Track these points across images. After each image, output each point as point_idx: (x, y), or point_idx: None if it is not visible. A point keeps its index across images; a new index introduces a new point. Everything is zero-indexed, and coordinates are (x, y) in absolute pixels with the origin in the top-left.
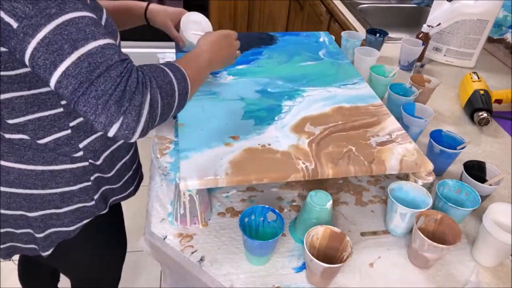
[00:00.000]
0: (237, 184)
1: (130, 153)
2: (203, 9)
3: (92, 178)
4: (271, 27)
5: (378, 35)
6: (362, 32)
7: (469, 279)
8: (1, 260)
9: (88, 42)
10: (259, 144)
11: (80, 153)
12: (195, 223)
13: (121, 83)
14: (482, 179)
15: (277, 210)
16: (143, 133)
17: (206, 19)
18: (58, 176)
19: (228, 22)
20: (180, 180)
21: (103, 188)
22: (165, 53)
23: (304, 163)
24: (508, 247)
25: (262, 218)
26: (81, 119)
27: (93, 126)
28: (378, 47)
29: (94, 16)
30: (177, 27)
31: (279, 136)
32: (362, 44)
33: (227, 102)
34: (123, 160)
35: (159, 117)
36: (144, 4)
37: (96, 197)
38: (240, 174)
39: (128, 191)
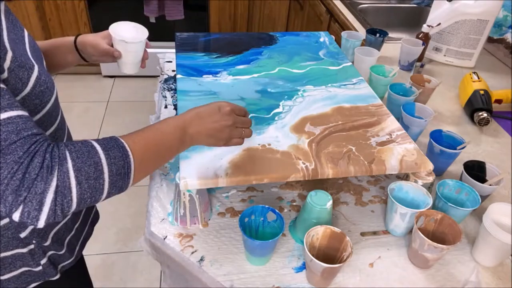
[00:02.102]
0: (237, 184)
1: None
2: (203, 9)
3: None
4: (271, 27)
5: (378, 35)
6: (362, 32)
7: (469, 279)
8: None
9: None
10: (259, 144)
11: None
12: (195, 223)
13: (19, 171)
14: (482, 179)
15: (277, 210)
16: (54, 219)
17: (138, 25)
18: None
19: (228, 22)
20: (180, 180)
21: (50, 253)
22: (165, 53)
23: (304, 163)
24: (508, 247)
25: (262, 218)
26: None
27: None
28: (378, 47)
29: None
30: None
31: (279, 136)
32: (362, 44)
33: None
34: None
35: (76, 202)
36: (72, 37)
37: (43, 262)
38: (240, 174)
39: (75, 255)
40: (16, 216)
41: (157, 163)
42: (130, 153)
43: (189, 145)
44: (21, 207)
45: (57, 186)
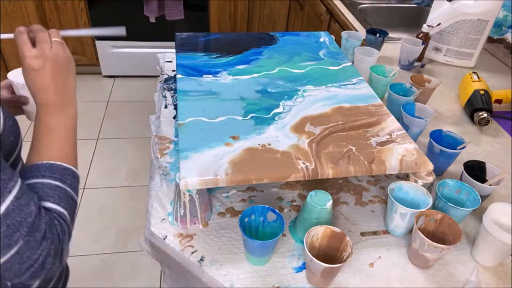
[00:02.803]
0: (237, 184)
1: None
2: (203, 9)
3: None
4: (271, 27)
5: (378, 35)
6: (362, 32)
7: (469, 279)
8: None
9: (3, 197)
10: (259, 144)
11: None
12: (195, 223)
13: (46, 247)
14: (482, 179)
15: (277, 210)
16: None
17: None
18: None
19: (228, 22)
20: (180, 180)
21: None
22: (165, 53)
23: (304, 163)
24: (508, 247)
25: (262, 218)
26: None
27: None
28: (378, 47)
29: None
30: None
31: (279, 136)
32: (362, 44)
33: (227, 102)
34: None
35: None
36: None
37: None
38: (240, 174)
39: None
40: (35, 284)
41: (75, 146)
42: (74, 169)
43: (69, 107)
44: (43, 274)
45: (68, 237)
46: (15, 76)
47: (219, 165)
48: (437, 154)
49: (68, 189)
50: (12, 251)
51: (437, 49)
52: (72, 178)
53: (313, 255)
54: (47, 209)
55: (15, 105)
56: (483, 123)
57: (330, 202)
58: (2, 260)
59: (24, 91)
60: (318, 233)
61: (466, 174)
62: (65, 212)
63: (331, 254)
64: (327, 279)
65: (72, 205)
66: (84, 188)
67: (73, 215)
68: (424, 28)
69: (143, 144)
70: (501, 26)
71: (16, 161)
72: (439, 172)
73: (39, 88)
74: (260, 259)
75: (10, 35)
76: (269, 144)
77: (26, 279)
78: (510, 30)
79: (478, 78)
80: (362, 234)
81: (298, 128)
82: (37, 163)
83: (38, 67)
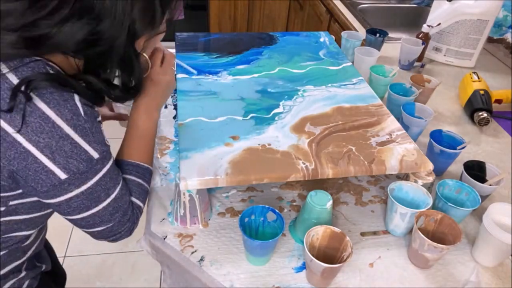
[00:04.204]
0: (237, 184)
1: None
2: (203, 9)
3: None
4: (271, 27)
5: (378, 35)
6: (362, 32)
7: (469, 279)
8: None
9: (115, 188)
10: (259, 144)
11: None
12: (195, 223)
13: (127, 225)
14: (482, 179)
15: (277, 210)
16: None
17: None
18: None
19: (228, 22)
20: (180, 180)
21: None
22: None
23: (304, 163)
24: (508, 247)
25: (262, 218)
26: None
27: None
28: (378, 47)
29: (112, 157)
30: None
31: (279, 136)
32: (362, 44)
33: (227, 102)
34: None
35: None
36: None
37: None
38: (240, 174)
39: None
40: (111, 241)
41: (153, 148)
42: (148, 166)
43: (155, 112)
44: (116, 239)
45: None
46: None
47: (219, 165)
48: (437, 154)
49: (146, 185)
50: (109, 225)
51: (437, 49)
52: (149, 175)
53: (313, 255)
54: (132, 202)
55: (114, 120)
56: (483, 123)
57: (330, 202)
58: (100, 228)
59: (123, 110)
60: (318, 233)
61: (466, 174)
62: (141, 205)
63: (331, 254)
64: (327, 279)
65: (146, 198)
66: None
67: (144, 199)
68: (424, 28)
69: None
70: (501, 26)
71: None
72: (439, 172)
73: (146, 94)
74: (260, 259)
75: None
76: (269, 144)
77: (105, 240)
78: (510, 30)
79: (478, 78)
80: (362, 234)
81: (298, 128)
82: (129, 161)
83: (156, 81)
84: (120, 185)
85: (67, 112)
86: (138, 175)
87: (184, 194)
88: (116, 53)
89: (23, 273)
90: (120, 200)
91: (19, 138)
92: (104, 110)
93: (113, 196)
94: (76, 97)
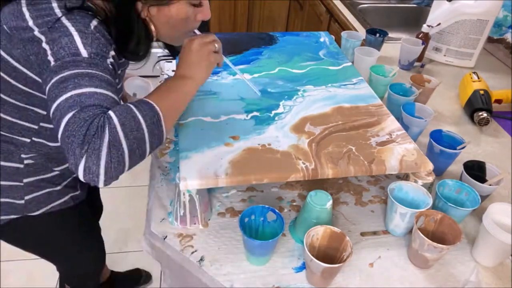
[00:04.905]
0: (237, 184)
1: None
2: None
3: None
4: (271, 27)
5: (378, 35)
6: (362, 32)
7: (469, 279)
8: (1, 260)
9: (88, 88)
10: (259, 144)
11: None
12: (195, 223)
13: (83, 126)
14: (482, 179)
15: (277, 210)
16: (110, 176)
17: (149, 84)
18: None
19: (228, 22)
20: (180, 180)
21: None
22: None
23: (304, 163)
24: (508, 247)
25: (262, 218)
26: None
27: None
28: (378, 47)
29: (112, 80)
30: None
31: (279, 136)
32: (362, 44)
33: (227, 102)
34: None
35: (127, 150)
36: None
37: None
38: (240, 174)
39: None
40: (80, 172)
41: (178, 108)
42: (154, 104)
43: (192, 82)
44: (83, 161)
45: (109, 141)
46: (129, 83)
47: (219, 165)
48: (437, 154)
49: (135, 110)
50: (65, 119)
51: (437, 49)
52: (149, 111)
53: (313, 255)
54: (102, 109)
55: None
56: (483, 123)
57: (330, 202)
58: (61, 128)
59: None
60: (318, 233)
61: (466, 174)
62: (114, 117)
63: (331, 254)
64: (327, 279)
65: (129, 121)
66: None
67: (130, 132)
68: (424, 28)
69: None
70: (501, 26)
71: None
72: (439, 172)
73: (181, 59)
74: (260, 259)
75: (198, 33)
76: (269, 144)
77: (72, 161)
78: (510, 30)
79: (478, 78)
80: (362, 234)
81: (298, 128)
82: (142, 99)
83: (189, 45)
84: (97, 90)
85: (78, 21)
86: (135, 104)
87: (184, 194)
88: (116, 9)
89: (59, 187)
90: (86, 98)
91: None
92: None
93: (80, 91)
94: (94, 21)
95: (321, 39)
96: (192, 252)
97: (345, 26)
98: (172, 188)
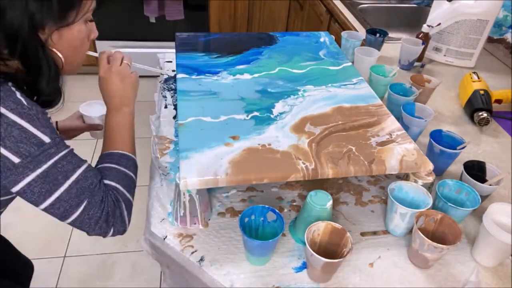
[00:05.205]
0: (237, 184)
1: None
2: (203, 9)
3: None
4: (271, 27)
5: (378, 35)
6: (362, 32)
7: (469, 279)
8: None
9: (75, 171)
10: (259, 144)
11: None
12: (195, 223)
13: (105, 208)
14: (482, 179)
15: (277, 210)
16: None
17: (92, 102)
18: None
19: (228, 22)
20: (180, 180)
21: None
22: (165, 53)
23: (304, 163)
24: (508, 247)
25: (262, 218)
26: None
27: None
28: (378, 47)
29: (68, 145)
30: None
31: (279, 136)
32: (362, 44)
33: (227, 102)
34: None
35: (132, 200)
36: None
37: None
38: (240, 174)
39: None
40: (109, 235)
41: (133, 135)
42: (128, 153)
43: (128, 109)
44: (112, 229)
45: (125, 205)
46: (86, 110)
47: (219, 165)
48: (437, 154)
49: (123, 169)
50: (81, 208)
51: (437, 49)
52: (126, 161)
53: (314, 251)
54: (105, 185)
55: (88, 131)
56: (483, 123)
57: (330, 202)
58: (75, 215)
59: (97, 120)
60: (320, 229)
61: (466, 174)
62: (118, 186)
63: (332, 250)
64: (328, 274)
65: (125, 180)
66: None
67: (130, 188)
68: (424, 28)
69: (143, 144)
70: (501, 26)
71: None
72: (439, 172)
73: (105, 93)
74: (260, 259)
75: (95, 54)
76: (269, 144)
77: (98, 234)
78: (510, 30)
79: (478, 78)
80: (362, 234)
81: (298, 128)
82: (103, 153)
83: (105, 76)
84: (82, 168)
85: (11, 103)
86: (112, 161)
87: (184, 194)
88: (19, 41)
89: None
90: (84, 181)
91: None
92: (78, 122)
93: (73, 178)
94: (18, 93)
95: (321, 39)
96: (192, 252)
97: (345, 26)
98: (172, 188)
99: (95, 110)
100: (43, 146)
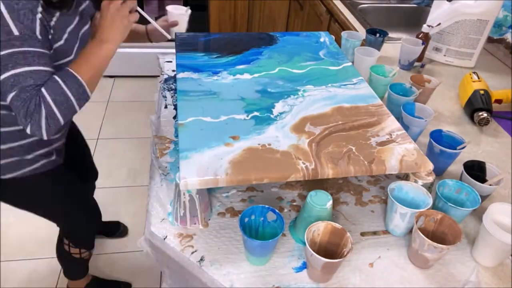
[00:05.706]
0: (237, 184)
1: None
2: (203, 9)
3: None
4: (271, 27)
5: (378, 35)
6: (362, 32)
7: (469, 279)
8: (1, 260)
9: (23, 67)
10: (259, 144)
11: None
12: (195, 223)
13: (24, 106)
14: (482, 179)
15: (277, 210)
16: (51, 133)
17: (187, 11)
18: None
19: (228, 22)
20: (180, 180)
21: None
22: (165, 53)
23: (304, 163)
24: (508, 247)
25: (262, 218)
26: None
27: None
28: (378, 47)
29: (43, 51)
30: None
31: (279, 136)
32: (362, 44)
33: (227, 102)
34: None
35: (62, 118)
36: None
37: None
38: (240, 174)
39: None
40: (28, 130)
41: (99, 71)
42: (78, 77)
43: (109, 45)
44: (29, 126)
45: (46, 114)
46: (172, 8)
47: (219, 165)
48: (437, 154)
49: (65, 88)
50: (11, 95)
51: (437, 49)
52: (75, 84)
53: (314, 251)
54: (40, 91)
55: (169, 27)
56: (483, 123)
57: (330, 202)
58: (9, 99)
59: (176, 17)
60: (320, 229)
61: (466, 174)
62: (48, 97)
63: (332, 250)
64: (328, 274)
65: (60, 96)
66: None
67: (61, 105)
68: (424, 28)
69: (143, 144)
70: (501, 26)
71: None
72: (439, 172)
73: (98, 22)
74: (260, 259)
75: None
76: (269, 144)
77: (22, 123)
78: (510, 30)
79: (478, 78)
80: (362, 234)
81: (298, 128)
82: (65, 68)
83: (103, 9)
84: (31, 68)
85: None
86: (61, 77)
87: (184, 194)
88: None
89: (33, 155)
90: (23, 78)
91: None
92: (161, 22)
93: (18, 71)
94: None
95: (321, 39)
96: (192, 252)
97: (345, 26)
98: (172, 188)
99: (178, 10)
100: (9, 35)
